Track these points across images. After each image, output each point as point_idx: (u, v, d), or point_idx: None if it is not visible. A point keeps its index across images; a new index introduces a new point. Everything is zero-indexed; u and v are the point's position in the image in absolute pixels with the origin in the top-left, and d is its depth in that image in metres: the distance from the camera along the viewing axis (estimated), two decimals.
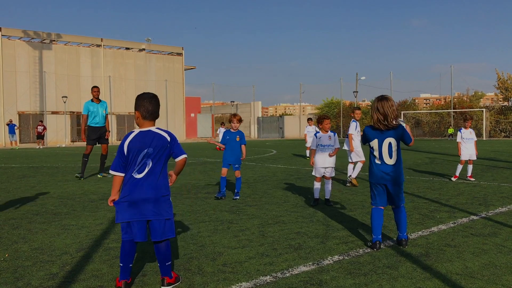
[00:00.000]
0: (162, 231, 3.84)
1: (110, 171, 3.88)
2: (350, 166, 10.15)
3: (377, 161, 5.05)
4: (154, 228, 3.83)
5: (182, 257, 4.74)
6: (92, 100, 12.08)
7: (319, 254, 4.77)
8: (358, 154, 10.10)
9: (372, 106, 5.09)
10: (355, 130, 10.05)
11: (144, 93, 3.97)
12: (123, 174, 3.85)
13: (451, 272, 4.16)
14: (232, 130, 8.60)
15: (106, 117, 12.36)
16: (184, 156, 3.94)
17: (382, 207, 5.09)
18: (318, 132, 7.83)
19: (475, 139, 10.82)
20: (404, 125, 5.14)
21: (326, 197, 7.81)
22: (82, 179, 11.75)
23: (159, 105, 3.95)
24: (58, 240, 5.49)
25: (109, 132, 12.45)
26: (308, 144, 18.09)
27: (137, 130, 3.90)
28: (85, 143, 12.15)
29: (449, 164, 15.21)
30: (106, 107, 12.50)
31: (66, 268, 4.43)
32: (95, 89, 12.16)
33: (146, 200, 3.77)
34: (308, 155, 18.67)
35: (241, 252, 4.87)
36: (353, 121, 10.22)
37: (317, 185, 7.84)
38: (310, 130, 18.31)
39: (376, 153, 5.06)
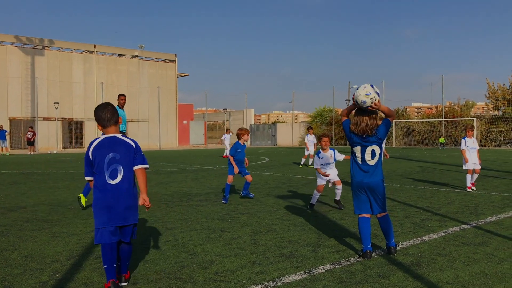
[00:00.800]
0: (131, 233, 4.13)
1: (85, 178, 4.10)
2: None
3: (359, 161, 5.11)
4: (126, 231, 4.08)
5: (173, 265, 4.72)
6: (119, 107, 12.46)
7: (311, 263, 4.77)
8: None
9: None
10: None
11: (97, 106, 4.19)
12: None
13: (442, 281, 4.18)
14: (242, 143, 9.18)
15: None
16: (143, 165, 4.10)
17: (368, 215, 5.11)
18: (320, 152, 8.10)
19: (478, 148, 10.70)
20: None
21: (336, 199, 8.25)
22: None
23: (114, 111, 4.15)
24: (49, 248, 5.45)
25: None
26: (306, 153, 18.61)
27: (102, 136, 4.12)
28: None
29: (441, 173, 15.30)
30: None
31: (56, 276, 4.39)
32: (123, 97, 12.55)
33: (122, 205, 3.98)
34: (303, 163, 18.78)
35: (232, 261, 4.86)
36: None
37: (316, 194, 8.11)
38: (310, 139, 18.61)
39: (358, 154, 5.12)
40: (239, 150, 9.10)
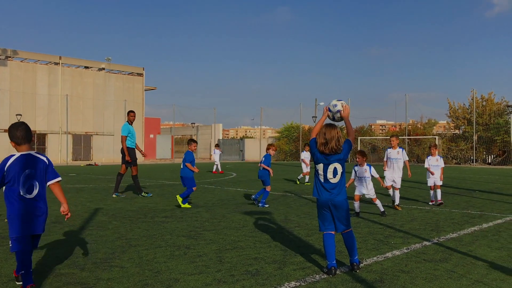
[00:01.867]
0: (38, 241, 4.65)
1: None
2: (391, 191, 10.87)
3: (321, 179, 5.19)
4: (36, 240, 4.59)
5: (137, 283, 4.63)
6: (128, 123, 12.67)
7: (276, 280, 4.78)
8: (388, 180, 10.88)
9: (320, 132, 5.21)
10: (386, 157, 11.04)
11: (12, 125, 4.57)
12: None
13: None
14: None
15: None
16: (56, 179, 4.59)
17: (332, 232, 5.18)
18: (357, 165, 9.44)
19: (442, 165, 11.34)
20: None
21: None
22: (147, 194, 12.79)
23: (28, 131, 4.53)
24: (6, 266, 5.26)
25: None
26: (306, 169, 17.95)
27: (18, 154, 4.46)
28: (126, 164, 12.58)
29: (404, 190, 15.61)
30: None
31: None
32: (133, 114, 12.91)
33: (37, 217, 4.44)
34: (299, 177, 18.29)
35: (197, 279, 4.81)
36: (388, 148, 11.30)
37: (356, 203, 9.32)
38: (306, 156, 18.41)
39: (321, 172, 5.20)
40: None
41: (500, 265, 5.44)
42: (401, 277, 4.91)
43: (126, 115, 12.96)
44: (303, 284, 4.67)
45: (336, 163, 5.13)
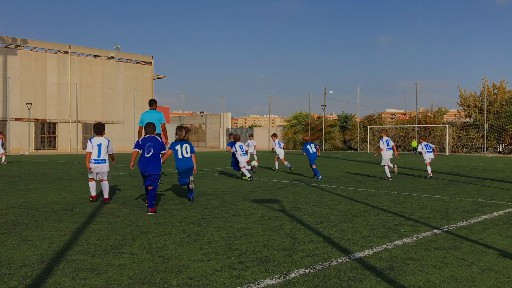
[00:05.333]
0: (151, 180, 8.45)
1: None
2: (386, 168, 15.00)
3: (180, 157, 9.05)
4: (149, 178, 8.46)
5: (147, 269, 4.67)
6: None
7: (286, 267, 4.79)
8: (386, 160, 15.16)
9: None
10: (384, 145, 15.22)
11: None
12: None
13: (414, 285, 4.25)
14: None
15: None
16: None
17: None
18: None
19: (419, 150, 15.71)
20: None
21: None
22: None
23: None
24: (18, 252, 5.32)
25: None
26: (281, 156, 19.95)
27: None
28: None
29: (414, 178, 15.55)
30: None
31: (25, 281, 4.29)
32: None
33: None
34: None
35: (207, 265, 4.84)
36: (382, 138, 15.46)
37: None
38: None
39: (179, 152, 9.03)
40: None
41: (511, 253, 5.40)
42: (410, 265, 4.91)
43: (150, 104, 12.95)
44: (312, 271, 4.68)
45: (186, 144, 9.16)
